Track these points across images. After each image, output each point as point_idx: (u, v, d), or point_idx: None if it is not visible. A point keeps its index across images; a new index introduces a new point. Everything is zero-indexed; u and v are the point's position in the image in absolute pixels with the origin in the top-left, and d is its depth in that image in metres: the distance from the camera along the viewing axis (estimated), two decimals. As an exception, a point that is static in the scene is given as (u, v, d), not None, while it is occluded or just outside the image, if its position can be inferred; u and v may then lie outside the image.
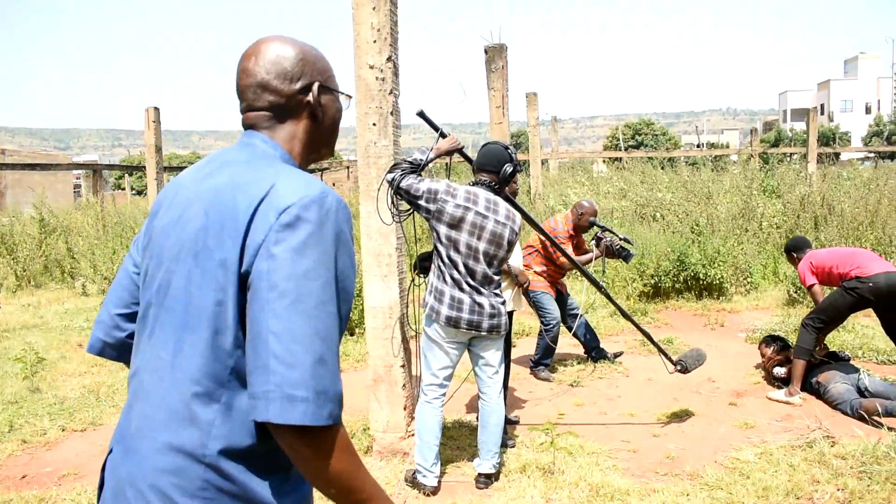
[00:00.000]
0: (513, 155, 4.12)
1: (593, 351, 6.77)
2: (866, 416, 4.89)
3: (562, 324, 6.43)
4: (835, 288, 5.67)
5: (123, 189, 37.27)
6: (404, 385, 4.47)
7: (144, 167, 22.13)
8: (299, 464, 1.32)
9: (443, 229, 3.84)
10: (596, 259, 6.07)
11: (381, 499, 1.40)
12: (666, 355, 5.25)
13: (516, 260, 4.76)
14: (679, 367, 5.16)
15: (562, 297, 6.55)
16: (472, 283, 3.86)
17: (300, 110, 1.55)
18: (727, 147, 44.57)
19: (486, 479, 4.07)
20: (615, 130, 50.48)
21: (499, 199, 3.97)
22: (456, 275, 3.86)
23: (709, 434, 4.89)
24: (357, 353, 7.05)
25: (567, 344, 7.25)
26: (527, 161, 14.45)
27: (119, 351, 1.62)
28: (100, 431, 5.19)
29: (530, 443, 4.67)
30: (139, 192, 40.50)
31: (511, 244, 3.96)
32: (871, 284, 5.27)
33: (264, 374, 1.26)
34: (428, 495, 3.97)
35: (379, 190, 4.17)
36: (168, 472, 1.34)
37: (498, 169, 4.04)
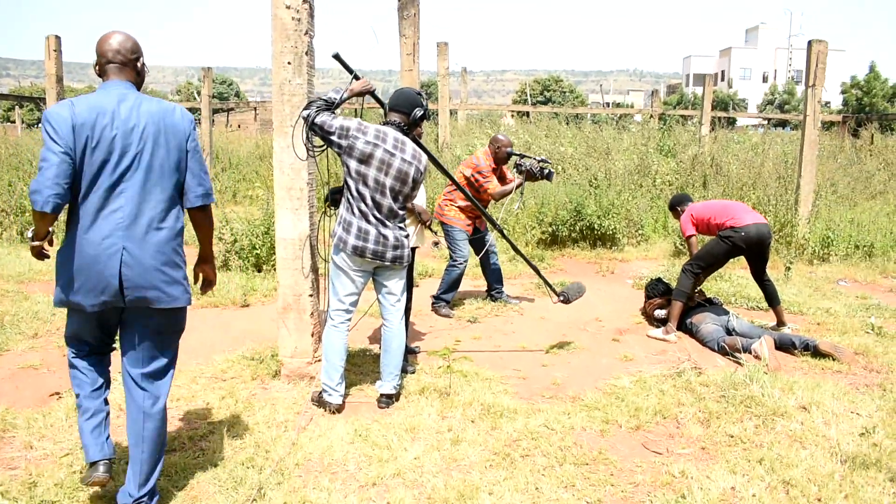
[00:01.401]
0: (424, 101, 4.38)
1: (494, 291, 7.16)
2: (729, 350, 5.46)
3: (475, 257, 6.84)
4: (712, 237, 6.22)
5: (13, 122, 35.35)
6: (312, 313, 4.70)
7: (37, 98, 21.16)
8: (204, 221, 3.22)
9: (353, 164, 4.08)
10: (519, 186, 6.48)
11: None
12: (551, 287, 5.80)
13: (419, 198, 5.03)
14: (562, 298, 5.74)
15: (479, 233, 6.92)
16: (378, 215, 4.13)
17: (133, 69, 3.07)
18: (632, 107, 45.81)
19: (387, 400, 4.40)
20: (524, 86, 51.00)
21: (406, 140, 4.23)
22: (363, 207, 4.11)
23: (592, 365, 5.35)
24: (264, 289, 7.23)
25: (468, 284, 7.63)
26: (436, 111, 14.63)
27: (65, 203, 2.85)
28: (6, 356, 5.22)
29: (429, 369, 5.01)
30: (30, 126, 38.48)
31: (416, 182, 4.23)
32: (743, 234, 5.87)
33: (198, 186, 3.11)
34: (333, 413, 4.26)
35: (294, 126, 4.34)
36: (173, 239, 3.07)
37: (409, 111, 4.31)
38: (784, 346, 5.57)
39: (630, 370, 5.20)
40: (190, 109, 24.66)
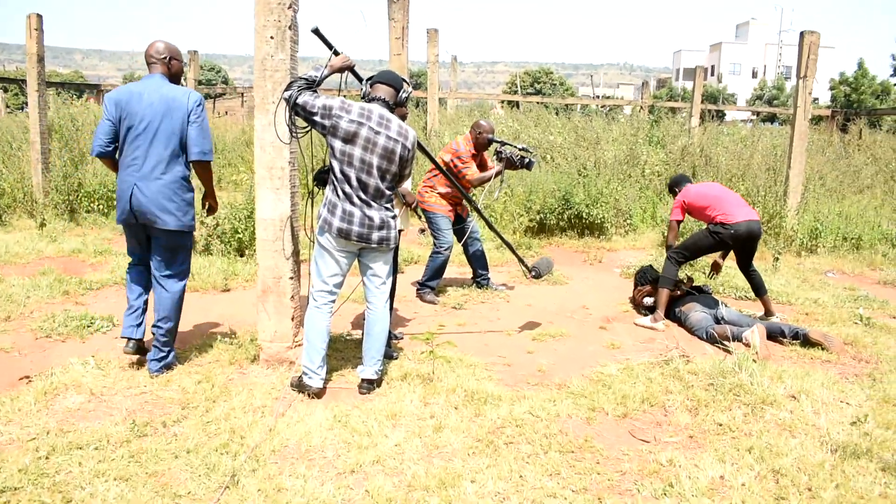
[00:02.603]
0: (408, 87, 4.30)
1: (480, 278, 7.05)
2: (718, 339, 5.38)
3: (459, 245, 6.72)
4: (702, 227, 6.13)
5: (-4, 105, 34.77)
6: (293, 296, 4.57)
7: (20, 80, 20.75)
8: (202, 172, 4.55)
9: (338, 144, 3.95)
10: (498, 174, 6.36)
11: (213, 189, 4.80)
12: (523, 263, 5.84)
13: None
14: (534, 274, 5.82)
15: (461, 220, 6.80)
16: (363, 196, 4.00)
17: (163, 64, 4.40)
18: (622, 99, 45.65)
19: (368, 385, 4.28)
20: (515, 77, 50.81)
21: (392, 117, 4.10)
22: (348, 189, 3.99)
23: (578, 352, 5.26)
24: (246, 273, 7.09)
25: (454, 271, 7.52)
26: (425, 98, 14.47)
27: (112, 154, 4.39)
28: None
29: (412, 355, 4.90)
30: (13, 110, 37.87)
31: (403, 160, 4.11)
32: (732, 231, 5.78)
33: (194, 146, 4.35)
34: (312, 397, 4.14)
35: (276, 107, 4.22)
36: (172, 183, 4.32)
37: (399, 87, 4.19)
38: (773, 334, 5.50)
39: (617, 358, 5.11)
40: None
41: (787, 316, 6.39)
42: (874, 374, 4.91)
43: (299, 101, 3.93)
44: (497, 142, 6.44)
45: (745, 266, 6.18)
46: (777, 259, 8.30)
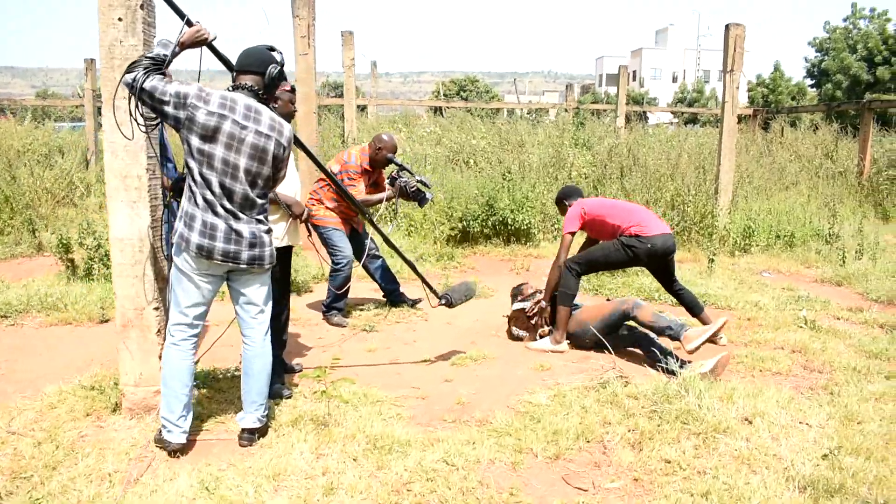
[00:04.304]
0: (278, 56, 3.49)
1: (391, 294, 6.34)
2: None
3: (358, 263, 5.93)
4: (609, 241, 5.36)
5: None
6: (159, 330, 3.80)
7: None
8: None
9: (194, 141, 3.21)
10: (388, 200, 5.63)
11: None
12: (430, 288, 4.97)
13: (289, 187, 4.14)
14: (444, 301, 4.95)
15: (358, 236, 6.05)
16: (228, 206, 3.27)
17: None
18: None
19: (249, 436, 3.52)
20: (439, 85, 50.39)
21: (262, 108, 3.37)
22: (209, 196, 3.24)
23: (505, 377, 4.61)
24: (110, 299, 6.19)
25: (366, 288, 6.81)
26: (342, 105, 13.72)
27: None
28: None
29: (308, 393, 4.17)
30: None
31: (277, 159, 3.39)
32: (649, 245, 5.12)
33: None
34: (173, 455, 3.36)
35: (115, 93, 3.44)
36: None
37: (262, 70, 3.41)
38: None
39: (547, 382, 4.48)
40: (77, 107, 23.23)
41: (729, 321, 5.87)
42: (829, 385, 4.42)
43: (146, 86, 3.13)
44: (397, 164, 5.71)
45: (669, 285, 5.55)
46: (712, 261, 7.84)
